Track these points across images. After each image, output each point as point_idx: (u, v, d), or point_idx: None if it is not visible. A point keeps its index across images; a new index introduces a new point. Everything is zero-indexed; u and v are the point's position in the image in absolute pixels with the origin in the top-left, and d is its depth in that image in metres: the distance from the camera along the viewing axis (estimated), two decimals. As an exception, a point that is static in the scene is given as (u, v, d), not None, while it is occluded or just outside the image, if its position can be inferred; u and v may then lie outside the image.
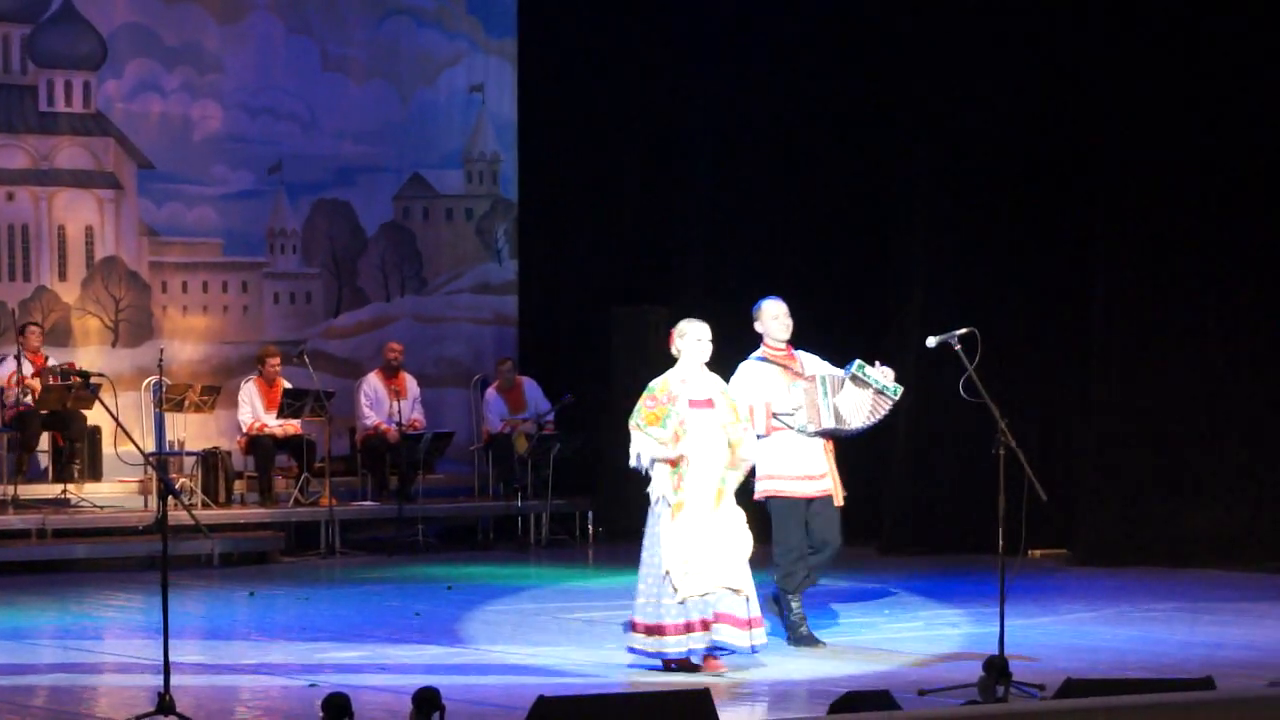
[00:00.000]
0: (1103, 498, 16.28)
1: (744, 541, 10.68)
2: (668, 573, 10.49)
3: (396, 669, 10.90)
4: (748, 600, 10.61)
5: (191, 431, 18.06)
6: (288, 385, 18.11)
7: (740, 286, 18.40)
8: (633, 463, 10.74)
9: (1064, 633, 12.20)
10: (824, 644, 11.59)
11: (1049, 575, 15.29)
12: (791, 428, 11.53)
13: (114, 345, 18.89)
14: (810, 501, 11.65)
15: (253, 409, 18.07)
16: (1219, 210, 15.90)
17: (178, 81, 19.24)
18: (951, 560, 15.96)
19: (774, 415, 11.51)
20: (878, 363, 11.66)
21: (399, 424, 18.34)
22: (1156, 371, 16.11)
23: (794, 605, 11.64)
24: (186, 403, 17.60)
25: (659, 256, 19.38)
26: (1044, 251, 16.83)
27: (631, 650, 10.75)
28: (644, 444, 10.65)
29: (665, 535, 10.57)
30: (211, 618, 13.61)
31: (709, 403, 10.75)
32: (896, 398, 11.63)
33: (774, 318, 11.76)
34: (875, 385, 11.57)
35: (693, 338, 10.82)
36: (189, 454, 17.92)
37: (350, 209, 20.07)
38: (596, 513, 19.18)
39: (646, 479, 10.78)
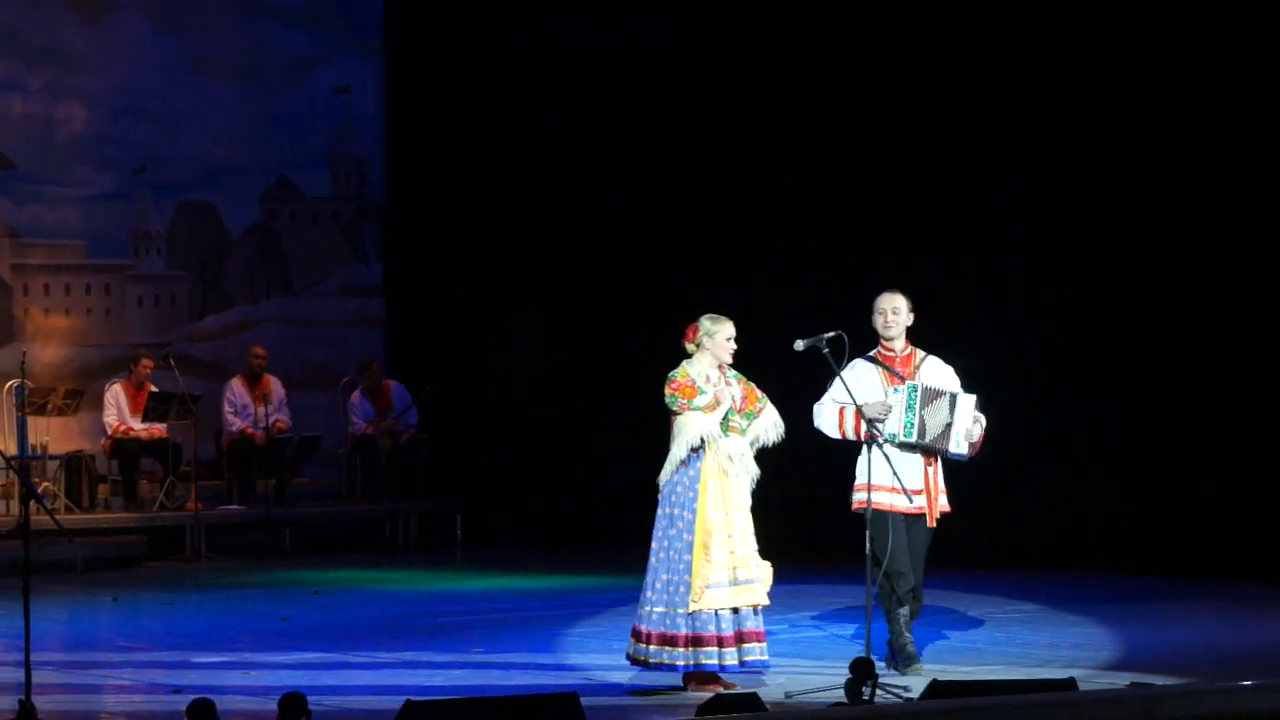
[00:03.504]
0: (967, 500, 16.38)
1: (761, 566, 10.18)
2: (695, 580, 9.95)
3: (262, 674, 10.83)
4: (762, 613, 10.23)
5: (55, 435, 17.88)
6: (154, 388, 17.96)
7: (610, 287, 18.49)
8: (691, 445, 10.04)
9: (929, 634, 12.28)
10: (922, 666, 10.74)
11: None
12: (881, 434, 10.53)
13: (-26, 348, 18.66)
14: (906, 518, 10.82)
15: (118, 412, 17.90)
16: (1078, 222, 16.10)
17: (40, 81, 19.03)
18: (819, 563, 16.03)
19: (867, 421, 10.55)
20: (980, 418, 10.81)
21: (265, 428, 18.24)
22: (1017, 376, 16.24)
23: (895, 625, 10.83)
24: (49, 406, 17.43)
25: (528, 259, 19.35)
26: (909, 256, 16.93)
27: (646, 667, 10.18)
28: (692, 422, 10.02)
29: (699, 516, 10.01)
30: (75, 623, 13.48)
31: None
32: (947, 449, 10.71)
33: (879, 313, 10.92)
34: (953, 421, 10.69)
35: (722, 337, 10.16)
36: (52, 457, 17.73)
37: (215, 211, 19.92)
38: (465, 515, 19.14)
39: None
